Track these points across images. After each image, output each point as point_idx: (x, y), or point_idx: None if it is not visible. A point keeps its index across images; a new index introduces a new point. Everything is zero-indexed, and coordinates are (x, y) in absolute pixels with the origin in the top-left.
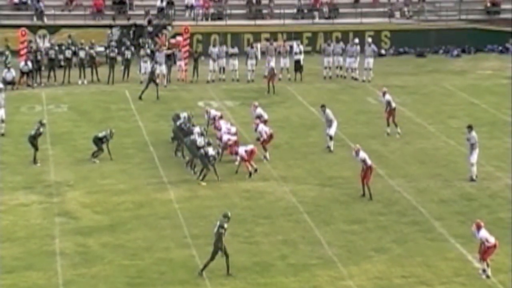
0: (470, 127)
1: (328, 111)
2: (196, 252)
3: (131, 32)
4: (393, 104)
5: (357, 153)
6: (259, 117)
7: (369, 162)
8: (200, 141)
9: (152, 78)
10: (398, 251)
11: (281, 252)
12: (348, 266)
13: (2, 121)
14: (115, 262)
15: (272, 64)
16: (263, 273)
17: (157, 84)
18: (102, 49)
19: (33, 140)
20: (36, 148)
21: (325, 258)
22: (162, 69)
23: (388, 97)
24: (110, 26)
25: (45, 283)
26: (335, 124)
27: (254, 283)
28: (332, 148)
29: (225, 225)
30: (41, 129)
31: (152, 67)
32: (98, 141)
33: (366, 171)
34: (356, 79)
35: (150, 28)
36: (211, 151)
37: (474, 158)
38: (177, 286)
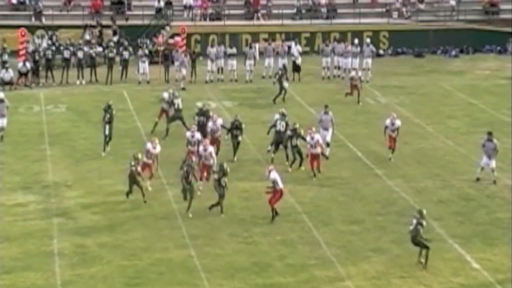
0: (490, 134)
1: (331, 113)
2: (194, 253)
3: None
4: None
5: (269, 173)
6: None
7: (280, 185)
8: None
9: None
10: (396, 252)
11: (280, 252)
12: (346, 266)
13: (3, 129)
14: (114, 263)
15: (357, 73)
16: (261, 273)
17: None
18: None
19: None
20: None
21: (323, 259)
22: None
23: (399, 122)
24: (85, 27)
25: (43, 283)
26: (331, 130)
27: (252, 284)
28: (328, 155)
29: (423, 222)
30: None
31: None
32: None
33: (275, 193)
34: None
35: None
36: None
37: (492, 163)
38: (175, 286)
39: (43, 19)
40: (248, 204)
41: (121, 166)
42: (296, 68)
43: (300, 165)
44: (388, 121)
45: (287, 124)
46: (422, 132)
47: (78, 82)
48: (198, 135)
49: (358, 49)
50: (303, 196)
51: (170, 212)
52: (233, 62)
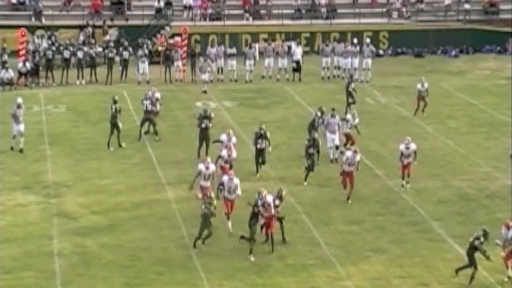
0: None
1: (338, 116)
2: (194, 253)
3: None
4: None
5: (265, 196)
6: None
7: (272, 211)
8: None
9: None
10: (396, 252)
11: (280, 252)
12: (346, 266)
13: (21, 135)
14: (114, 263)
15: (423, 85)
16: (261, 273)
17: None
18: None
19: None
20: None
21: (323, 259)
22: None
23: (414, 146)
24: (80, 27)
25: (43, 283)
26: (338, 133)
27: (252, 284)
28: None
29: (482, 239)
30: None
31: None
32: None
33: (268, 219)
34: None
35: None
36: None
37: None
38: (175, 286)
39: (43, 19)
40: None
41: (121, 166)
42: (297, 68)
43: (305, 178)
44: (402, 146)
45: (323, 122)
46: (422, 132)
47: (78, 82)
48: (235, 155)
49: (358, 48)
50: (303, 196)
51: (170, 212)
52: (233, 62)
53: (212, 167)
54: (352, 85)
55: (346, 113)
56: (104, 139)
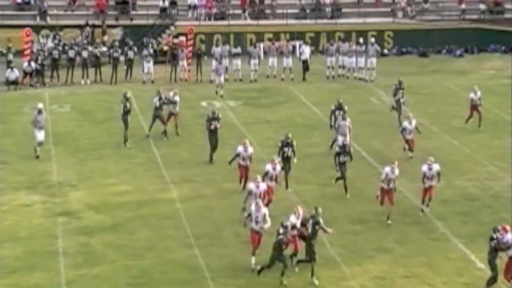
0: None
1: (349, 119)
2: (198, 252)
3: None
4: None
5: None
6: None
7: (294, 231)
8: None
9: None
10: (400, 251)
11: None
12: (350, 266)
13: (41, 143)
14: (118, 262)
15: (476, 94)
16: (266, 273)
17: None
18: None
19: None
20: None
21: (327, 258)
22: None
23: (437, 167)
24: (80, 26)
25: (47, 283)
26: (348, 136)
27: (257, 283)
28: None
29: (495, 235)
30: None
31: None
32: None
33: (293, 240)
34: (360, 79)
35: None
36: (342, 158)
37: None
38: (179, 286)
39: (48, 19)
40: None
41: (125, 166)
42: (306, 67)
43: (346, 191)
44: (424, 167)
45: (344, 112)
46: (427, 131)
47: (82, 82)
48: (279, 168)
49: (363, 48)
50: (307, 195)
51: (174, 211)
52: (237, 62)
53: (262, 186)
54: (401, 92)
55: (402, 121)
56: (109, 139)
